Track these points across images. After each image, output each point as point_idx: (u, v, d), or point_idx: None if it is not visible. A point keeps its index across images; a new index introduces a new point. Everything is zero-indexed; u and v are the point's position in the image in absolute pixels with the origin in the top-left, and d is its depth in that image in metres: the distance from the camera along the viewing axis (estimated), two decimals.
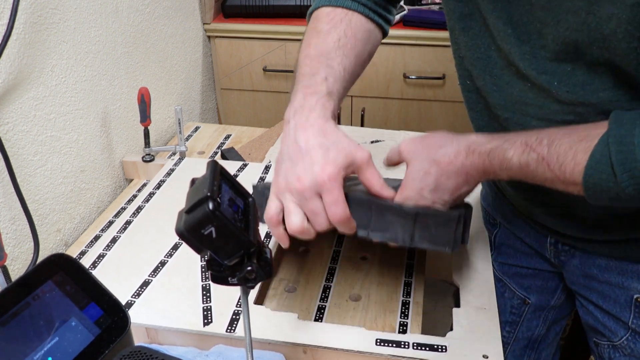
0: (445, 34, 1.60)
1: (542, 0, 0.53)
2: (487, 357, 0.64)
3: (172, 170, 1.03)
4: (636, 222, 0.65)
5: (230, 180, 0.48)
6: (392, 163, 0.68)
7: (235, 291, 0.73)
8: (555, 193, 0.56)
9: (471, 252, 0.83)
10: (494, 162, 0.57)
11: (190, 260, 0.80)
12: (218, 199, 0.43)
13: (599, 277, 0.73)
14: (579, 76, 0.55)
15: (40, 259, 0.72)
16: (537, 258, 0.83)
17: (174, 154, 1.12)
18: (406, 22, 1.56)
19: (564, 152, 0.52)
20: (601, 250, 0.70)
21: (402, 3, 1.68)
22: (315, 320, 0.73)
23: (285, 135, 0.62)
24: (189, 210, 0.43)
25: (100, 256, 0.82)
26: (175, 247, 0.83)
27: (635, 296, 0.70)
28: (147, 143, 1.08)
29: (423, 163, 0.61)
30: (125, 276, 0.78)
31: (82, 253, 0.88)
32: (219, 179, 0.45)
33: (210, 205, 0.42)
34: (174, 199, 0.95)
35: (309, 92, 0.63)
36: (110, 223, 0.95)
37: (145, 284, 0.76)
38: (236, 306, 0.72)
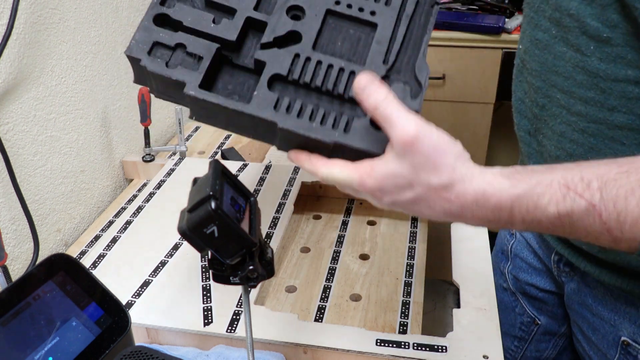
0: (445, 34, 1.62)
1: None
2: (487, 358, 0.64)
3: (172, 170, 1.03)
4: None
5: (232, 180, 0.48)
6: None
7: (235, 291, 0.73)
8: None
9: (471, 252, 0.83)
10: (516, 212, 0.44)
11: (190, 260, 0.80)
12: (220, 198, 0.43)
13: (592, 308, 0.72)
14: (614, 47, 0.54)
15: (40, 259, 0.72)
16: (546, 276, 0.82)
17: (174, 154, 1.12)
18: None
19: (624, 197, 0.41)
20: (598, 273, 0.68)
21: None
22: (315, 320, 0.73)
23: None
24: (192, 209, 0.43)
25: (101, 256, 0.82)
26: (176, 247, 0.83)
27: (622, 338, 0.69)
28: (147, 143, 1.08)
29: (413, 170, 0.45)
30: (126, 276, 0.78)
31: (82, 253, 0.88)
32: (221, 178, 0.45)
33: (213, 204, 0.42)
34: (174, 199, 0.95)
35: None
36: (111, 223, 0.95)
37: (146, 284, 0.76)
38: (236, 306, 0.72)
